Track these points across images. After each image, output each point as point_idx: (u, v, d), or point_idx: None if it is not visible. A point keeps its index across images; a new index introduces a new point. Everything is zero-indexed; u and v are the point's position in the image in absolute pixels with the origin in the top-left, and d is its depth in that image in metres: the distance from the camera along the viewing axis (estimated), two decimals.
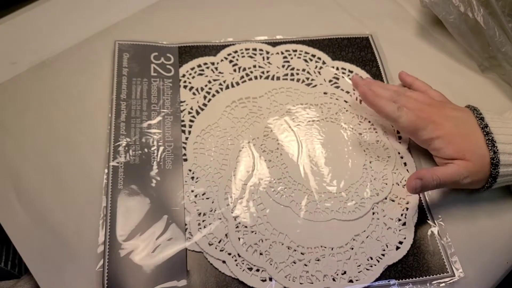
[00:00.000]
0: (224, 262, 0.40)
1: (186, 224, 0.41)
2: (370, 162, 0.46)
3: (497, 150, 0.41)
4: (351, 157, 0.46)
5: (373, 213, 0.43)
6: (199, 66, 0.51)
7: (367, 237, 0.42)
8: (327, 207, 0.43)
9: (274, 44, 0.53)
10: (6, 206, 0.42)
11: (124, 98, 0.47)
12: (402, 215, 0.43)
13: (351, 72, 0.52)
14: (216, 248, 0.41)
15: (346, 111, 0.49)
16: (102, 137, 0.45)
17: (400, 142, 0.47)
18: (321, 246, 0.41)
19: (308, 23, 0.55)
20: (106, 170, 0.43)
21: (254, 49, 0.52)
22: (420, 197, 0.44)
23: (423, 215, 0.44)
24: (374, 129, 0.48)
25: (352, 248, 0.41)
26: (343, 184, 0.44)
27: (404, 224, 0.43)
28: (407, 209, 0.44)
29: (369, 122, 0.48)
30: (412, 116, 0.42)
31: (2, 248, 0.47)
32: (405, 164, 0.46)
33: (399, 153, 0.47)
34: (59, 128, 0.46)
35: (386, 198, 0.44)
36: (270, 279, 0.40)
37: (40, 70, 0.49)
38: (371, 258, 0.41)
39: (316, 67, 0.52)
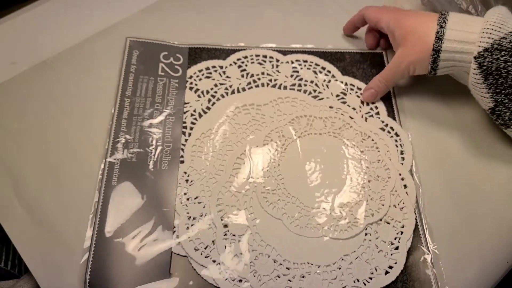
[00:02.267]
0: (208, 269, 0.40)
1: (174, 227, 0.41)
2: (368, 181, 0.45)
3: (445, 25, 0.43)
4: (350, 174, 0.45)
5: (366, 234, 0.42)
6: (207, 68, 0.51)
7: (356, 258, 0.41)
8: (319, 224, 0.42)
9: (285, 52, 0.52)
10: (6, 206, 0.42)
11: (129, 95, 0.47)
12: (395, 238, 0.42)
13: (360, 89, 0.51)
14: (201, 254, 0.40)
15: (350, 127, 0.48)
16: (103, 136, 0.45)
17: (402, 164, 0.46)
18: (308, 263, 0.41)
19: (319, 33, 0.55)
20: (102, 166, 0.43)
21: (264, 56, 0.52)
22: (416, 221, 0.43)
23: (418, 240, 0.42)
24: (377, 148, 0.47)
25: (340, 268, 0.41)
26: (338, 201, 0.43)
27: (396, 248, 0.42)
28: (402, 233, 0.42)
29: (373, 140, 0.47)
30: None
31: (2, 248, 0.47)
32: (405, 186, 0.45)
33: (400, 174, 0.45)
34: (59, 128, 0.46)
35: (381, 220, 0.43)
36: None
37: (40, 70, 0.49)
38: (358, 281, 0.40)
39: (325, 80, 0.51)
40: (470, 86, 0.44)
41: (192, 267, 0.40)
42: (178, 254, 0.40)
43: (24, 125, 0.46)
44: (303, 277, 0.40)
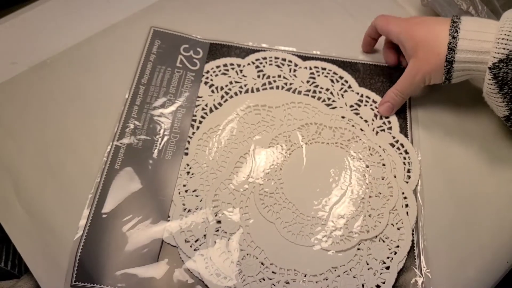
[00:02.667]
0: (194, 261, 0.40)
1: (169, 216, 0.42)
2: (369, 197, 0.44)
3: (457, 35, 0.42)
4: (351, 187, 0.44)
5: (358, 249, 0.42)
6: (225, 65, 0.51)
7: (344, 272, 0.41)
8: (311, 233, 0.42)
9: (304, 58, 0.52)
10: (6, 206, 0.42)
11: (144, 83, 0.48)
12: (388, 258, 0.41)
13: (375, 102, 0.50)
14: (191, 246, 0.41)
15: (360, 140, 0.47)
16: (113, 121, 0.46)
17: (407, 182, 0.45)
18: (295, 270, 0.40)
19: (341, 42, 0.54)
20: (108, 148, 0.45)
21: (283, 59, 0.52)
22: (412, 242, 0.42)
23: (411, 261, 0.41)
24: (383, 164, 0.46)
25: (326, 279, 0.40)
26: (335, 212, 0.43)
27: (387, 267, 0.41)
28: (395, 253, 0.41)
29: (380, 156, 0.46)
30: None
31: (2, 248, 0.47)
32: (406, 205, 0.44)
33: (403, 193, 0.44)
34: (59, 128, 0.46)
35: (376, 237, 0.42)
36: None
37: (40, 70, 0.49)
38: None
39: (341, 89, 0.50)
40: (484, 95, 0.43)
41: (180, 258, 0.41)
42: (169, 244, 0.41)
43: (24, 125, 0.46)
44: (287, 283, 0.40)
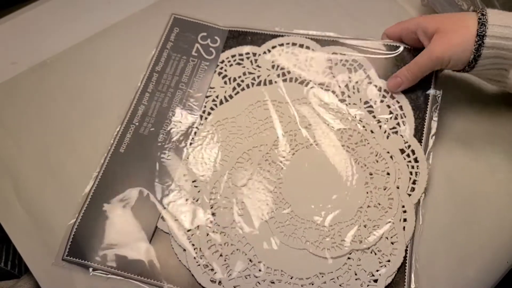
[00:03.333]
0: (184, 250, 0.41)
1: (166, 204, 0.43)
2: (367, 207, 0.43)
3: (486, 17, 0.40)
4: (351, 194, 0.43)
5: (348, 258, 0.41)
6: (240, 54, 0.50)
7: (331, 279, 0.40)
8: (304, 236, 0.42)
9: (323, 42, 0.50)
10: (6, 206, 0.43)
11: (158, 70, 0.49)
12: (377, 271, 0.41)
13: (393, 98, 0.47)
14: (183, 235, 0.42)
15: (368, 143, 0.46)
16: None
17: (410, 195, 0.44)
18: (281, 271, 0.41)
19: (370, 26, 0.52)
20: (117, 129, 0.46)
21: (301, 45, 0.50)
22: (405, 260, 0.41)
23: (401, 277, 0.40)
24: (388, 174, 0.44)
25: (312, 284, 0.40)
26: (330, 218, 0.42)
27: (375, 281, 0.40)
28: (386, 267, 0.41)
29: (386, 163, 0.45)
30: None
31: (2, 248, 0.48)
32: (405, 220, 0.43)
33: (403, 206, 0.43)
34: (59, 128, 0.47)
35: (368, 249, 0.41)
36: (220, 283, 0.40)
37: (40, 70, 0.50)
38: None
39: (358, 82, 0.48)
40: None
41: (171, 245, 0.42)
42: (162, 230, 0.42)
43: (24, 125, 0.47)
44: (272, 283, 0.40)
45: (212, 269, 0.41)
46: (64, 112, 0.48)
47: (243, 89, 0.49)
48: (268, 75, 0.50)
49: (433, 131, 0.45)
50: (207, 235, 0.42)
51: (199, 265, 0.41)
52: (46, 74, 0.50)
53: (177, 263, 0.41)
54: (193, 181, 0.44)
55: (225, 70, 0.50)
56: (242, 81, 0.49)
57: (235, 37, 0.52)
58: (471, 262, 0.42)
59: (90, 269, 0.41)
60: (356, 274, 0.40)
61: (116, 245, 0.41)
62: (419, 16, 0.46)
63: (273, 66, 0.50)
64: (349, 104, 0.48)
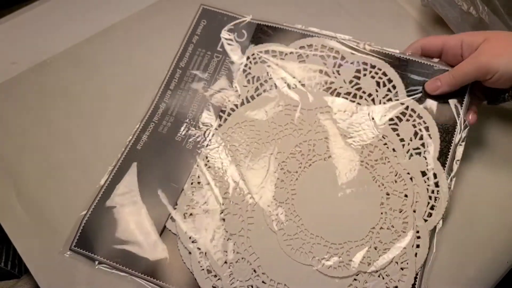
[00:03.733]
0: (190, 253, 0.41)
1: (176, 204, 0.43)
2: (380, 228, 0.42)
3: None
4: (364, 214, 0.42)
5: (355, 279, 0.40)
6: (267, 52, 0.49)
7: None
8: (311, 251, 0.41)
9: (354, 50, 0.48)
10: (6, 206, 0.43)
11: (182, 66, 0.48)
12: None
13: (420, 117, 0.45)
14: (190, 238, 0.42)
15: (388, 162, 0.44)
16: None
17: (427, 220, 0.42)
18: (285, 285, 0.40)
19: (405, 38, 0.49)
20: (137, 126, 0.46)
21: (331, 49, 0.48)
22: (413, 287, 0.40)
23: None
24: (405, 196, 0.43)
25: None
26: (340, 236, 0.41)
27: None
28: None
29: (405, 185, 0.43)
30: None
31: (2, 248, 0.49)
32: (418, 246, 0.41)
33: (417, 232, 0.42)
34: (59, 128, 0.47)
35: (376, 272, 0.40)
36: None
37: (40, 70, 0.49)
38: None
39: (385, 96, 0.46)
40: None
41: (177, 247, 0.42)
42: (170, 230, 0.42)
43: (24, 125, 0.47)
44: None
45: (215, 275, 0.41)
46: (64, 112, 0.48)
47: (265, 91, 0.48)
48: (293, 77, 0.48)
49: (459, 156, 0.43)
50: (214, 240, 0.42)
51: (202, 269, 0.41)
52: (46, 74, 0.50)
53: (182, 265, 0.41)
54: (206, 184, 0.44)
55: (249, 68, 0.48)
56: (266, 81, 0.48)
57: (264, 32, 0.49)
58: (471, 262, 0.42)
59: (96, 262, 0.41)
60: None
61: (123, 240, 0.42)
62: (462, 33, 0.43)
63: (299, 68, 0.48)
64: (373, 119, 0.46)
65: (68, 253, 0.41)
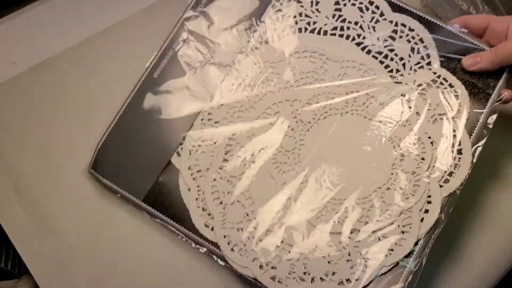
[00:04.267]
0: (189, 190, 0.41)
1: (183, 139, 0.43)
2: (387, 189, 0.39)
3: None
4: (371, 172, 0.39)
5: (349, 238, 0.38)
6: None
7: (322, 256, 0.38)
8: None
9: (397, 7, 0.44)
10: (6, 206, 0.43)
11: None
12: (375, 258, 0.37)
13: (452, 86, 0.41)
14: (191, 174, 0.42)
15: (409, 124, 0.40)
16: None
17: (441, 186, 0.38)
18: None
19: None
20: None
21: (371, 2, 0.44)
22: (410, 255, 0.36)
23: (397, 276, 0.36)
24: (422, 159, 0.39)
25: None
26: (341, 191, 0.39)
27: (366, 266, 0.37)
28: (387, 256, 0.36)
29: (423, 148, 0.39)
30: None
31: (2, 248, 0.48)
32: (426, 211, 0.37)
33: (429, 197, 0.38)
34: (59, 128, 0.46)
35: (373, 233, 0.37)
36: (212, 229, 0.40)
37: (40, 70, 0.49)
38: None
39: (417, 64, 0.42)
40: None
41: (178, 182, 0.42)
42: (174, 165, 0.42)
43: (24, 125, 0.47)
44: (260, 241, 0.39)
45: (209, 214, 0.40)
46: (64, 112, 0.48)
47: (294, 33, 0.45)
48: (325, 24, 0.45)
49: (489, 126, 0.40)
50: (214, 180, 0.41)
51: (198, 207, 0.41)
52: (46, 74, 0.49)
53: (179, 200, 0.41)
54: (215, 122, 0.43)
55: (281, 4, 0.45)
56: (296, 22, 0.45)
57: None
58: (471, 262, 0.42)
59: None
60: (349, 255, 0.37)
61: (129, 168, 0.43)
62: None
63: (333, 16, 0.45)
64: (401, 82, 0.42)
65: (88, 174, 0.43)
